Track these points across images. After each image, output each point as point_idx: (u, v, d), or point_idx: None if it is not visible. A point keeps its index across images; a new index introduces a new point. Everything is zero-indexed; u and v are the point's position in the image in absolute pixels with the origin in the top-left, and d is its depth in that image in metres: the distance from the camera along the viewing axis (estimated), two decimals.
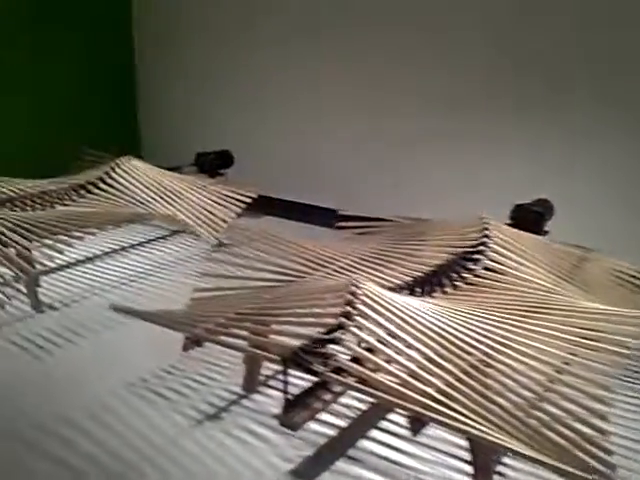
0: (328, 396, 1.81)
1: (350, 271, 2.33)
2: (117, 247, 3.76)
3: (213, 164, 4.01)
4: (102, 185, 3.34)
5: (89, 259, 3.56)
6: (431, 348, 1.70)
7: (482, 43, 3.69)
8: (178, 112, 5.04)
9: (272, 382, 2.35)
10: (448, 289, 2.21)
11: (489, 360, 1.72)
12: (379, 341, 1.69)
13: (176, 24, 4.94)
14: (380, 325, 1.72)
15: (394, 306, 1.81)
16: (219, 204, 3.46)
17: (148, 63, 5.13)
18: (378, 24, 4.00)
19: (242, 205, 3.49)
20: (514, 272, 2.33)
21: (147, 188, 3.38)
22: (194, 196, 3.46)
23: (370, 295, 1.81)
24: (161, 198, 3.36)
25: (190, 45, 4.85)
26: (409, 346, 1.69)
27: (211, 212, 3.38)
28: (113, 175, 3.40)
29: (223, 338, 1.89)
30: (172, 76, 5.05)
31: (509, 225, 3.02)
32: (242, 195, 3.50)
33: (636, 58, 3.29)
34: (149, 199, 3.32)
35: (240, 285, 2.28)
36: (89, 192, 3.30)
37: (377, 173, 4.18)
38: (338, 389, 1.83)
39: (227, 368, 2.44)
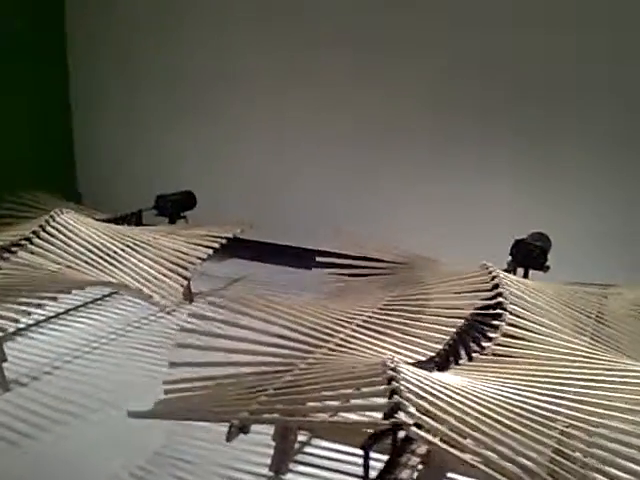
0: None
1: (362, 343, 2.02)
2: (62, 309, 3.22)
3: (175, 206, 3.65)
4: (35, 243, 2.88)
5: (36, 323, 3.04)
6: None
7: (477, 74, 3.53)
8: (120, 151, 4.59)
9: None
10: (475, 360, 1.95)
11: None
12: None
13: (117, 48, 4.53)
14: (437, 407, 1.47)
15: (439, 387, 1.56)
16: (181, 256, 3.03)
17: (86, 100, 4.68)
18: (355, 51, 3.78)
19: (209, 251, 3.16)
20: (538, 336, 2.09)
21: (91, 246, 2.94)
22: (146, 252, 3.02)
23: (410, 379, 1.54)
24: (109, 257, 2.91)
25: (136, 79, 4.46)
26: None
27: (170, 269, 2.93)
28: (48, 229, 2.95)
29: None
30: (111, 114, 4.61)
31: (511, 261, 2.93)
32: (214, 238, 3.18)
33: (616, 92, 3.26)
34: (93, 260, 2.86)
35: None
36: (19, 250, 2.85)
37: (347, 207, 3.94)
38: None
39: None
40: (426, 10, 3.58)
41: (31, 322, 3.01)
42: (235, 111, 4.14)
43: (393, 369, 1.55)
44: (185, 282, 2.98)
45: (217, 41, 4.13)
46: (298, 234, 3.98)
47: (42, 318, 3.09)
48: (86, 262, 2.84)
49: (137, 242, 3.06)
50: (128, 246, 2.99)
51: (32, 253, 2.85)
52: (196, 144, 4.31)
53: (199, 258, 3.07)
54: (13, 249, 2.87)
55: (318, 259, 2.94)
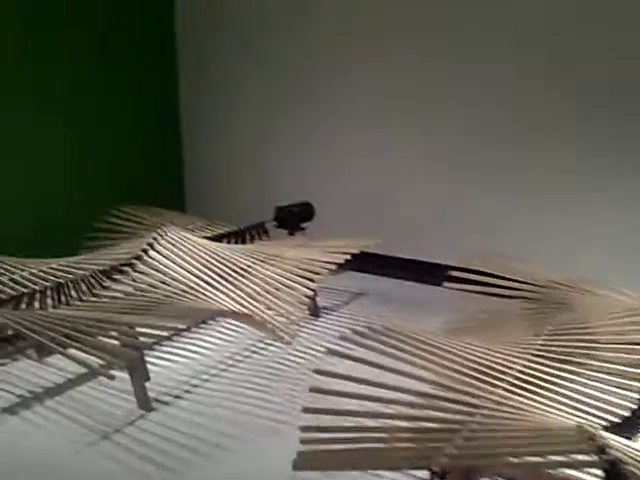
0: None
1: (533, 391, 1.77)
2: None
3: (295, 218, 3.50)
4: (145, 263, 2.76)
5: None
6: None
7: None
8: (228, 165, 4.51)
9: None
10: None
11: None
12: None
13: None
14: None
15: None
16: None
17: (194, 111, 4.61)
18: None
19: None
20: None
21: (205, 267, 2.75)
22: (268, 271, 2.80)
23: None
24: (224, 281, 2.70)
25: (248, 90, 4.36)
26: None
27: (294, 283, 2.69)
28: (157, 247, 2.83)
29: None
30: (219, 129, 4.50)
31: None
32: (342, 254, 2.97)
33: None
34: (209, 285, 2.65)
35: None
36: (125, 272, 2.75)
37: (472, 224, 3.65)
38: None
39: None
40: None
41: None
42: (352, 123, 3.95)
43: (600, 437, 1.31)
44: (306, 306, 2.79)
45: (332, 56, 3.96)
46: (419, 247, 3.73)
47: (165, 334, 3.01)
48: (206, 282, 2.67)
49: (264, 257, 2.92)
50: (255, 262, 2.86)
51: (142, 273, 2.75)
52: (306, 155, 4.17)
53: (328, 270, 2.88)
54: (124, 268, 2.77)
55: (451, 274, 2.70)
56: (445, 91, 3.65)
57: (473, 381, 1.77)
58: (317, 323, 3.17)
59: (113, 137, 4.17)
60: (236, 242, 3.32)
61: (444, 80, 3.64)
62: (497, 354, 1.96)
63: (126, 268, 2.80)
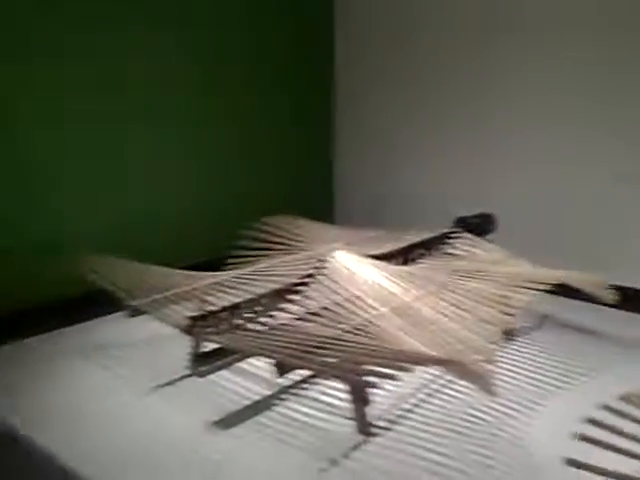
0: None
1: None
2: None
3: (478, 230, 3.18)
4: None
5: None
6: None
7: None
8: (380, 177, 4.32)
9: None
10: None
11: None
12: None
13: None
14: None
15: None
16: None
17: (350, 129, 4.45)
18: None
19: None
20: None
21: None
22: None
23: None
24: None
25: (407, 104, 4.12)
26: None
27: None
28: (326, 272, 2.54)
29: None
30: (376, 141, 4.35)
31: None
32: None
33: None
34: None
35: None
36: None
37: None
38: None
39: None
40: None
41: None
42: (532, 131, 3.64)
43: None
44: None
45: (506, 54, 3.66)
46: (612, 269, 3.32)
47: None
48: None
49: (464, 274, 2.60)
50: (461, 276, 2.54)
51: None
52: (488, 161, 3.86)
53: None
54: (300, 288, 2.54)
55: None
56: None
57: None
58: (513, 349, 2.79)
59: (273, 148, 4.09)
60: (422, 254, 3.03)
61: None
62: None
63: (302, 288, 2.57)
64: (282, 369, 1.89)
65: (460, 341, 2.10)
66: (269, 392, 2.36)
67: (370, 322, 2.23)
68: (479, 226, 3.21)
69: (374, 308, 2.33)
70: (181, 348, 2.52)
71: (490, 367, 1.94)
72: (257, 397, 2.33)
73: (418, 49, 4.00)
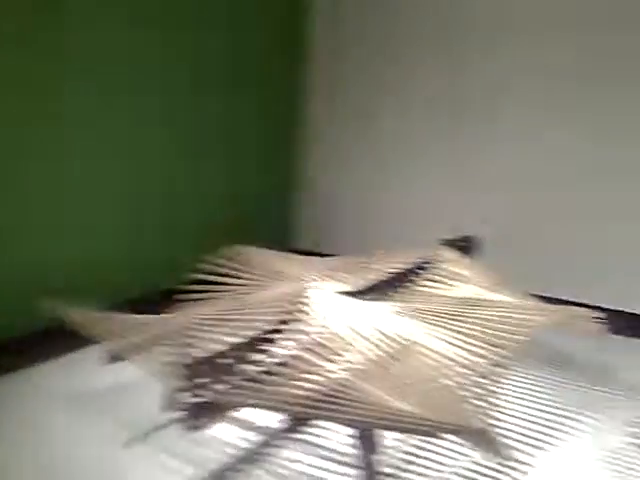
0: None
1: None
2: None
3: (463, 252, 2.91)
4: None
5: None
6: None
7: None
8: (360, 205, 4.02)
9: None
10: None
11: None
12: None
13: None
14: None
15: None
16: None
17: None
18: None
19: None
20: None
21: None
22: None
23: None
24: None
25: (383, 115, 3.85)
26: None
27: None
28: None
29: None
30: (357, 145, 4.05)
31: None
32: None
33: None
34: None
35: None
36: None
37: None
38: None
39: None
40: None
41: None
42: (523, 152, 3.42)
43: None
44: None
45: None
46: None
47: None
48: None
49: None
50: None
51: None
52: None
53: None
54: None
55: None
56: None
57: None
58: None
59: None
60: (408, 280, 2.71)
61: None
62: None
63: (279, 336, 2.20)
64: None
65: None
66: (262, 440, 2.11)
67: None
68: (463, 249, 2.94)
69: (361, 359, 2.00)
70: (152, 395, 2.16)
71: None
72: (249, 446, 2.08)
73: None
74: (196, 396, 2.02)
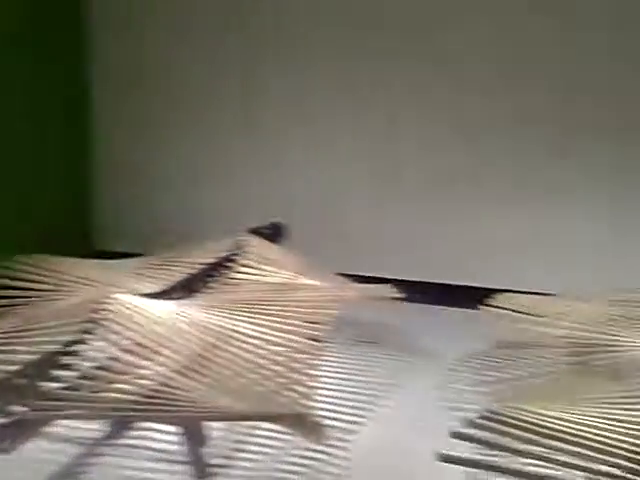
0: None
1: None
2: None
3: (270, 240, 2.92)
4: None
5: None
6: None
7: None
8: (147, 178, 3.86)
9: None
10: None
11: None
12: None
13: None
14: None
15: None
16: None
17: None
18: None
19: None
20: None
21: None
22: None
23: None
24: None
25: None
26: None
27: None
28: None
29: None
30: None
31: None
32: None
33: None
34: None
35: None
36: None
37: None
38: None
39: None
40: None
41: None
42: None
43: None
44: None
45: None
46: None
47: None
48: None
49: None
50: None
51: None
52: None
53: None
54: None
55: None
56: None
57: None
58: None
59: None
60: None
61: None
62: None
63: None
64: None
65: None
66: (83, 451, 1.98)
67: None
68: (270, 236, 2.95)
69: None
70: None
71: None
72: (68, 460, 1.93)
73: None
74: None
